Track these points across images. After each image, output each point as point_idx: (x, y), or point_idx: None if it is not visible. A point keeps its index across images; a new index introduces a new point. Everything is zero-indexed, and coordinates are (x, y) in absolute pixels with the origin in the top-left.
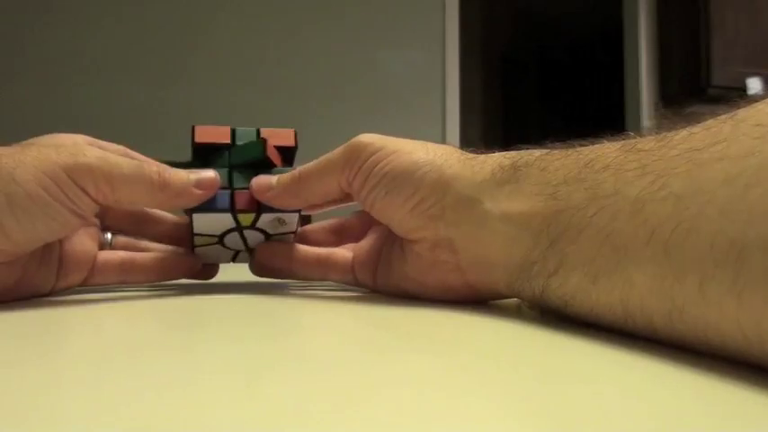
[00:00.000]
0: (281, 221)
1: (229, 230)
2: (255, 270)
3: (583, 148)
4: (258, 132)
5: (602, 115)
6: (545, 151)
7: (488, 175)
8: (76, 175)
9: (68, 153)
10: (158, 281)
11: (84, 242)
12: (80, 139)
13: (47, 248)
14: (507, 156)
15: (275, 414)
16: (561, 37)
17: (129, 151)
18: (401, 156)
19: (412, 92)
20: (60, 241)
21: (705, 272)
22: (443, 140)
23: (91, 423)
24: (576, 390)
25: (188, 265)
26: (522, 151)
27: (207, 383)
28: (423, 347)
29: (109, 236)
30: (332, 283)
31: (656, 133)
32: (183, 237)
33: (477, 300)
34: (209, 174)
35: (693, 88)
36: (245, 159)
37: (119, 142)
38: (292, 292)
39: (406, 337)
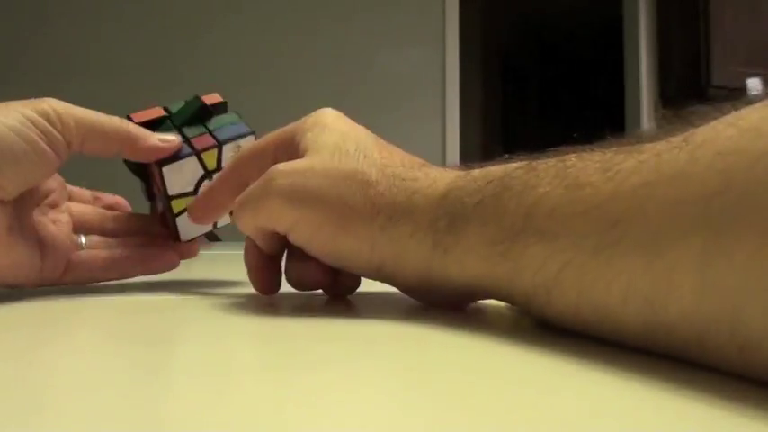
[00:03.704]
0: (240, 148)
1: (201, 179)
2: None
3: (518, 182)
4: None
5: (602, 115)
6: (476, 197)
7: (422, 241)
8: (50, 118)
9: (42, 102)
10: (140, 274)
11: (61, 230)
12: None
13: (26, 228)
14: (441, 206)
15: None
16: (561, 37)
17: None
18: (323, 233)
19: (412, 92)
20: (37, 227)
21: (701, 330)
22: (443, 140)
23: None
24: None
25: (169, 259)
26: (455, 188)
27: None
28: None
29: (83, 239)
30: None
31: (599, 151)
32: (156, 229)
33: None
34: (170, 135)
35: (693, 88)
36: (187, 115)
37: None
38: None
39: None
